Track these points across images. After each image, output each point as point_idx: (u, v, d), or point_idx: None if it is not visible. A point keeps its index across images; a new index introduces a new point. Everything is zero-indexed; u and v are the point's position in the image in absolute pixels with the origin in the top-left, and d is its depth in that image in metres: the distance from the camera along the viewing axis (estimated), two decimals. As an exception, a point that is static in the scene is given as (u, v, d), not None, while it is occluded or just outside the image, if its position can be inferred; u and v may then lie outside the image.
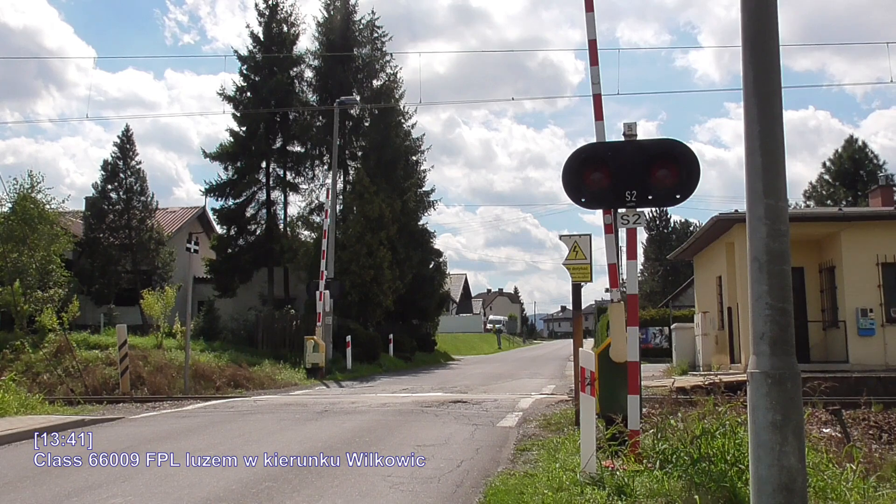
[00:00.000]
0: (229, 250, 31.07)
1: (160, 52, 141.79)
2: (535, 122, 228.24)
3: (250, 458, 7.58)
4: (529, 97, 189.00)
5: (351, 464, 7.21)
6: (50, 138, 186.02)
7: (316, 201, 32.32)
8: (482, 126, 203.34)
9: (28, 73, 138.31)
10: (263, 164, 31.89)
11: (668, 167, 6.45)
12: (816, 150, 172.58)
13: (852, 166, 46.27)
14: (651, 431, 6.61)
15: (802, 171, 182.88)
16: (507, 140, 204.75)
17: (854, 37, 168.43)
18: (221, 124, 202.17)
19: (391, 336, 29.61)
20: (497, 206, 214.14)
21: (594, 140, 7.35)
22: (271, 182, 32.13)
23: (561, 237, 9.97)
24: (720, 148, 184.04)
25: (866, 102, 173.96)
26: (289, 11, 32.49)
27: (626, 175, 6.52)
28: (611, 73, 47.43)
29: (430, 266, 35.25)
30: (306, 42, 56.79)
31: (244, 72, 31.60)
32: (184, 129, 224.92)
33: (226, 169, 31.32)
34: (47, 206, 22.68)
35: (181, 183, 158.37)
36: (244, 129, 31.14)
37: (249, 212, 31.85)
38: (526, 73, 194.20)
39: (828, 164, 47.93)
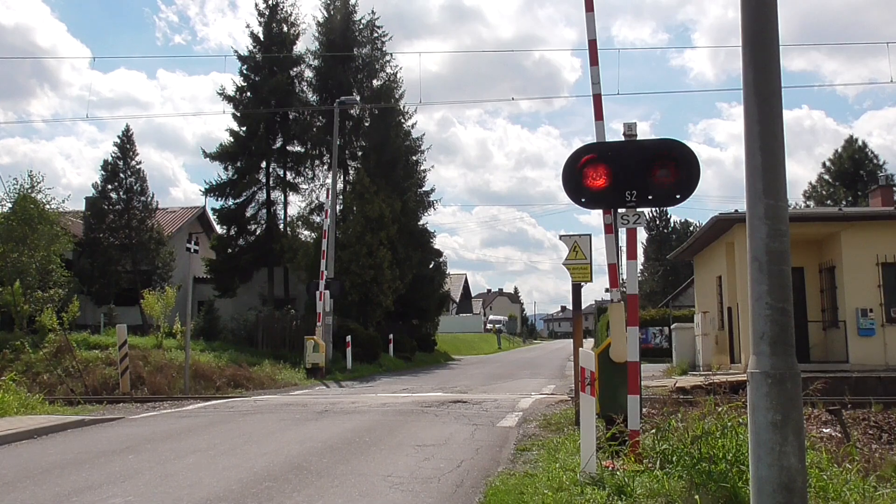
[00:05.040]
0: (229, 250, 31.08)
1: (152, 52, 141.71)
2: (531, 122, 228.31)
3: (250, 458, 7.58)
4: (527, 97, 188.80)
5: (351, 464, 7.21)
6: (45, 138, 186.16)
7: (316, 201, 32.36)
8: (477, 125, 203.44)
9: (22, 73, 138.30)
10: (263, 164, 31.90)
11: (668, 167, 6.46)
12: (812, 149, 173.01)
13: (852, 166, 46.26)
14: (651, 431, 6.61)
15: (799, 170, 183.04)
16: (503, 140, 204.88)
17: (851, 36, 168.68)
18: (216, 124, 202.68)
19: (391, 336, 29.60)
20: (494, 205, 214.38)
21: (590, 140, 7.36)
22: (271, 182, 32.14)
23: (561, 237, 9.97)
24: (714, 148, 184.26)
25: (858, 102, 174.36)
26: (289, 11, 32.55)
27: (626, 175, 6.52)
28: (610, 73, 47.52)
29: (430, 266, 35.26)
30: (306, 42, 56.82)
31: (244, 72, 31.62)
32: (178, 128, 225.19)
33: (226, 169, 31.36)
34: (47, 206, 22.71)
35: (177, 183, 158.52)
36: (244, 128, 31.16)
37: (249, 212, 31.87)
38: (522, 72, 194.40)
39: (827, 164, 47.95)
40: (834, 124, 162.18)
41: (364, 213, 27.76)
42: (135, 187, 29.71)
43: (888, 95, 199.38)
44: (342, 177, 31.29)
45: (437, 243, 41.57)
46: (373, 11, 38.88)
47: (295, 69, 32.55)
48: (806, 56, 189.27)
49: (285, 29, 32.26)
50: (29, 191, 22.47)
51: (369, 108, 32.18)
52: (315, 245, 26.95)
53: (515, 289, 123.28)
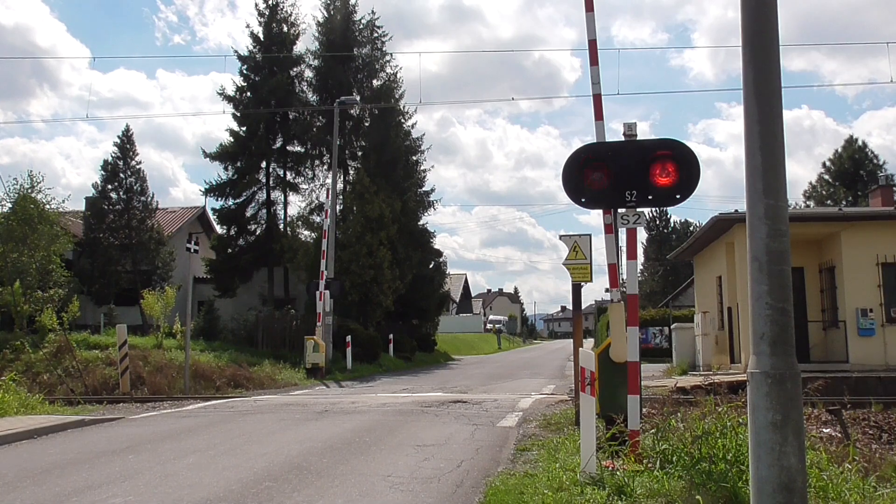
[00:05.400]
0: (229, 250, 31.08)
1: (152, 52, 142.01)
2: (530, 122, 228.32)
3: (250, 458, 7.58)
4: (527, 97, 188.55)
5: (351, 464, 7.21)
6: (44, 137, 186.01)
7: (316, 201, 32.37)
8: (477, 125, 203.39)
9: (22, 72, 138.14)
10: (263, 164, 31.90)
11: (668, 167, 6.46)
12: (812, 149, 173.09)
13: (852, 166, 46.25)
14: (651, 431, 6.61)
15: (799, 170, 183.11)
16: (503, 140, 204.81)
17: (851, 36, 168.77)
18: (216, 124, 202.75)
19: (391, 336, 29.60)
20: (493, 205, 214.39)
21: (590, 140, 7.36)
22: (271, 182, 32.14)
23: (561, 237, 9.97)
24: (714, 148, 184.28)
25: (857, 102, 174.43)
26: (289, 11, 32.56)
27: (626, 175, 6.52)
28: (610, 73, 47.42)
29: (430, 266, 35.25)
30: (306, 42, 56.85)
31: (244, 72, 31.63)
32: (178, 128, 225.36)
33: (226, 169, 31.38)
34: (47, 206, 22.71)
35: (177, 183, 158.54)
36: (244, 129, 31.17)
37: (249, 212, 31.88)
38: (521, 72, 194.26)
39: (828, 164, 47.94)
40: (833, 124, 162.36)
41: (364, 213, 27.76)
42: (135, 187, 29.71)
43: (887, 95, 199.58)
44: (342, 177, 31.29)
45: (437, 243, 41.62)
46: (373, 11, 38.89)
47: (295, 69, 32.55)
48: (805, 56, 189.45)
49: (285, 29, 32.27)
50: (29, 191, 22.47)
51: (369, 108, 32.18)
52: (315, 245, 26.95)
53: (515, 289, 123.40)
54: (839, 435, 8.67)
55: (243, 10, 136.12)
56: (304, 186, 32.82)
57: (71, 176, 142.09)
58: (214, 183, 31.27)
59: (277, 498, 5.86)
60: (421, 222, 34.42)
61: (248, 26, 34.92)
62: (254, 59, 31.65)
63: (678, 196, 6.51)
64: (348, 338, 23.73)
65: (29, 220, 21.90)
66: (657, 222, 66.61)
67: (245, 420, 11.01)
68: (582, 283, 9.67)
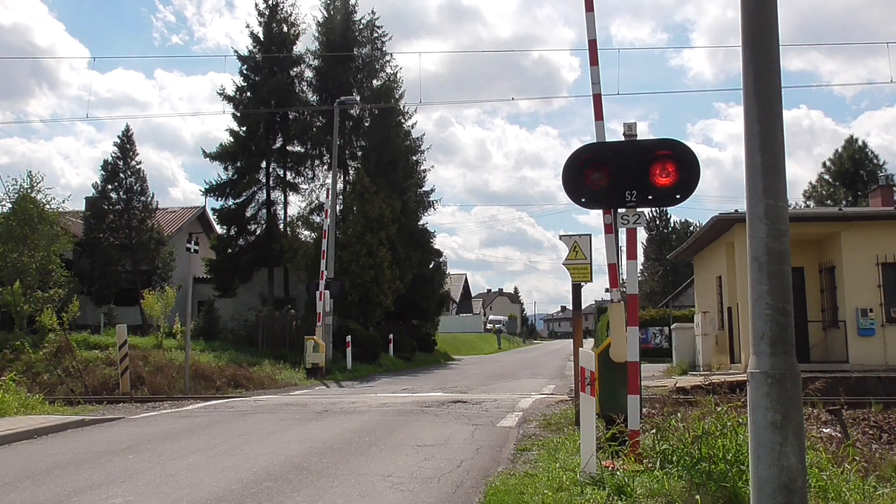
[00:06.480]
0: (229, 250, 31.09)
1: (150, 52, 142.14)
2: (529, 122, 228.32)
3: (250, 458, 7.58)
4: (526, 97, 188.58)
5: (351, 464, 7.21)
6: (43, 137, 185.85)
7: (316, 201, 32.38)
8: (476, 125, 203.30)
9: (21, 72, 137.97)
10: (263, 164, 31.92)
11: (669, 167, 6.46)
12: (811, 149, 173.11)
13: (852, 166, 46.24)
14: (651, 431, 6.61)
15: (798, 170, 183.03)
16: (502, 140, 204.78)
17: (850, 36, 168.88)
18: (214, 124, 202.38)
19: (391, 336, 29.60)
20: (493, 205, 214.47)
21: (590, 140, 7.36)
22: (271, 182, 32.16)
23: (561, 237, 9.97)
24: (713, 148, 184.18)
25: (856, 103, 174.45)
26: (289, 11, 32.57)
27: (626, 175, 6.52)
28: (609, 73, 47.21)
29: (430, 266, 35.25)
30: (306, 42, 56.84)
31: (244, 72, 31.64)
32: (177, 128, 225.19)
33: (226, 169, 31.40)
34: (47, 207, 22.71)
35: (176, 183, 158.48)
36: (244, 129, 31.18)
37: (249, 212, 31.90)
38: (521, 72, 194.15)
39: (828, 163, 47.93)
40: (832, 124, 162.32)
41: (364, 213, 27.76)
42: (135, 187, 29.71)
43: (886, 95, 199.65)
44: (342, 177, 31.29)
45: (437, 243, 41.61)
46: (373, 11, 38.86)
47: (295, 69, 32.56)
48: (804, 56, 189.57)
49: (285, 29, 32.27)
50: (28, 191, 22.48)
51: (369, 108, 32.18)
52: (315, 245, 26.95)
53: (515, 289, 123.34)
54: (839, 435, 8.67)
55: (241, 11, 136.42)
56: (304, 186, 32.90)
57: (70, 176, 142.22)
58: (214, 183, 31.32)
59: (277, 498, 5.86)
60: (421, 222, 34.43)
61: (247, 26, 34.98)
62: (254, 59, 31.66)
63: (678, 196, 6.51)
64: (348, 338, 23.73)
65: (29, 220, 21.90)
66: (657, 222, 66.57)
67: (245, 420, 11.01)
68: (582, 283, 9.66)
